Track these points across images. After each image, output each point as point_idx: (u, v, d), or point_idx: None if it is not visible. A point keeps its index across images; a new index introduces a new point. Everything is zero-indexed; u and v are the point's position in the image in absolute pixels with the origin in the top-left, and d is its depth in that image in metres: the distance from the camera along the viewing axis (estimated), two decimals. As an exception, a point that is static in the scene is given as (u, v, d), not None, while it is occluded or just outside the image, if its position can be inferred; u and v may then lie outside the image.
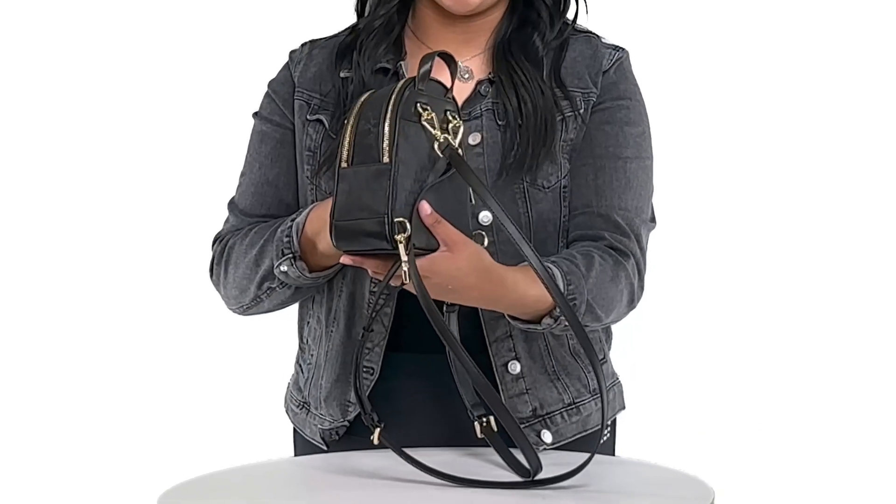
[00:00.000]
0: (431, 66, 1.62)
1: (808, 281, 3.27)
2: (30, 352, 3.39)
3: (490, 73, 1.84)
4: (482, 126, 1.81)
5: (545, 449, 1.84)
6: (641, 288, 1.85)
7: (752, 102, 3.26)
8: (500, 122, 1.82)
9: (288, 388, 2.01)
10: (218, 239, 1.92)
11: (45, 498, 3.35)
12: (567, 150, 1.83)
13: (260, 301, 1.86)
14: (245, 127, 1.96)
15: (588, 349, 1.60)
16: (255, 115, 1.94)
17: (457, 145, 1.61)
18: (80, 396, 3.37)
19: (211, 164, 2.87)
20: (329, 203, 1.68)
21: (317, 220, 1.76)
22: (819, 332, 3.26)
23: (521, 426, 1.81)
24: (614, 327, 1.96)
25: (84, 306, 3.37)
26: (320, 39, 1.94)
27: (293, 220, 1.79)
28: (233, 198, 1.94)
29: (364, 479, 1.70)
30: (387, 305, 1.81)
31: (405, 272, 1.54)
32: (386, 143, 1.56)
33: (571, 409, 1.87)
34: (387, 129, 1.57)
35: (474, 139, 1.81)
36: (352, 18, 1.94)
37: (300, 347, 1.97)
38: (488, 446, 1.75)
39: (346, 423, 1.88)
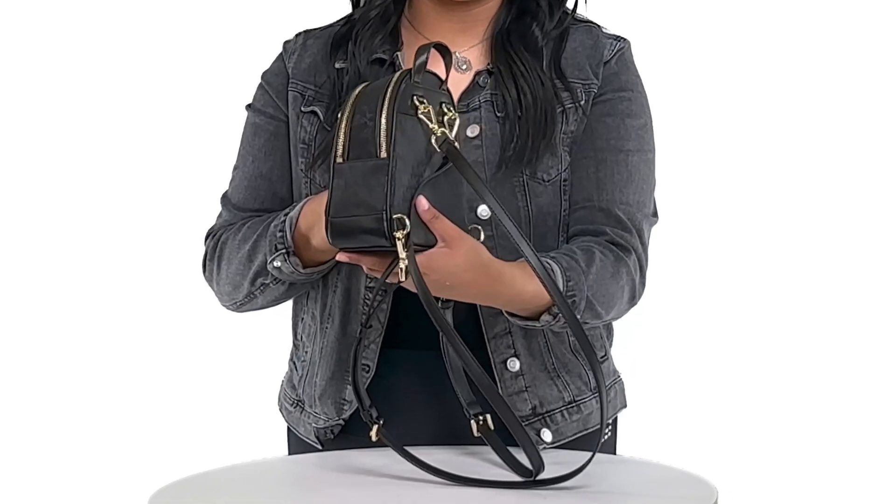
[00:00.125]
0: (427, 58, 1.60)
1: (811, 277, 3.27)
2: (21, 351, 3.39)
3: (489, 64, 1.82)
4: (481, 118, 1.79)
5: (545, 448, 1.82)
6: (643, 284, 1.84)
7: (754, 94, 3.26)
8: (498, 114, 1.79)
9: (282, 386, 1.99)
10: (210, 234, 1.90)
11: (37, 497, 3.34)
12: (567, 142, 1.81)
13: (254, 297, 1.84)
14: (238, 119, 1.94)
15: (586, 347, 1.58)
16: (249, 107, 1.92)
17: (453, 138, 1.58)
18: (71, 395, 3.37)
19: (203, 157, 2.86)
20: (323, 197, 1.66)
21: (310, 214, 1.73)
22: (822, 330, 3.26)
23: (524, 425, 1.79)
24: (615, 324, 1.95)
25: (75, 303, 3.37)
26: (315, 30, 1.92)
27: (286, 215, 1.77)
28: (225, 192, 1.93)
29: (360, 477, 1.68)
30: (383, 302, 1.80)
31: (403, 269, 1.52)
32: (383, 137, 1.54)
33: (572, 407, 1.85)
34: (384, 123, 1.55)
35: (472, 131, 1.78)
36: (347, 8, 1.91)
37: (294, 345, 1.95)
38: (486, 445, 1.73)
39: (342, 422, 1.86)
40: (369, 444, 1.74)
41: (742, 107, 3.26)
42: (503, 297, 1.68)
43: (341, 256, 1.58)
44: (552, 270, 1.67)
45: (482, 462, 1.73)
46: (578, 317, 1.69)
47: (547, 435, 1.82)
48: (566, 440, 1.84)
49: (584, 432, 1.86)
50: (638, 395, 2.09)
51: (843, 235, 3.27)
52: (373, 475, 1.68)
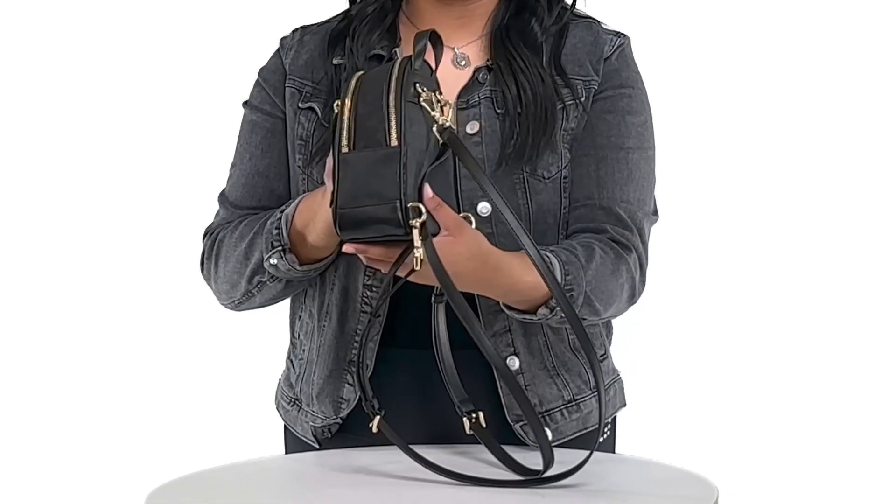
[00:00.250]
0: (426, 45, 1.60)
1: (810, 276, 3.27)
2: (18, 351, 3.38)
3: (488, 60, 1.82)
4: (480, 114, 1.78)
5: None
6: (643, 283, 1.83)
7: (754, 92, 3.26)
8: (498, 111, 1.78)
9: (279, 384, 1.99)
10: (208, 233, 1.90)
11: (33, 496, 3.33)
12: (568, 139, 1.80)
13: (251, 296, 1.83)
14: (235, 117, 1.93)
15: (584, 342, 1.58)
16: (246, 104, 1.91)
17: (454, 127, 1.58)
18: (67, 394, 3.37)
19: (201, 154, 2.85)
20: (319, 194, 1.65)
21: (306, 211, 1.73)
22: (822, 328, 3.26)
23: (520, 423, 1.79)
24: (615, 322, 1.94)
25: (72, 303, 3.37)
26: (312, 25, 1.91)
27: (282, 212, 1.76)
28: (223, 190, 1.92)
29: (358, 476, 1.68)
30: (383, 299, 1.78)
31: (418, 258, 1.50)
32: (393, 125, 1.52)
33: (571, 406, 1.84)
34: (392, 111, 1.53)
35: (472, 128, 1.77)
36: (342, 4, 1.90)
37: (291, 343, 1.95)
38: (482, 444, 1.73)
39: (339, 421, 1.85)
40: (367, 443, 1.73)
41: (740, 103, 3.26)
42: (500, 287, 1.67)
43: (348, 248, 1.56)
44: (550, 263, 1.67)
45: (479, 462, 1.72)
46: (576, 311, 1.69)
47: (547, 434, 1.81)
48: (566, 439, 1.84)
49: (584, 431, 1.86)
50: (637, 395, 2.08)
51: (842, 235, 3.28)
52: (371, 474, 1.67)
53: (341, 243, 1.74)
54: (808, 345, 3.26)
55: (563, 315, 1.68)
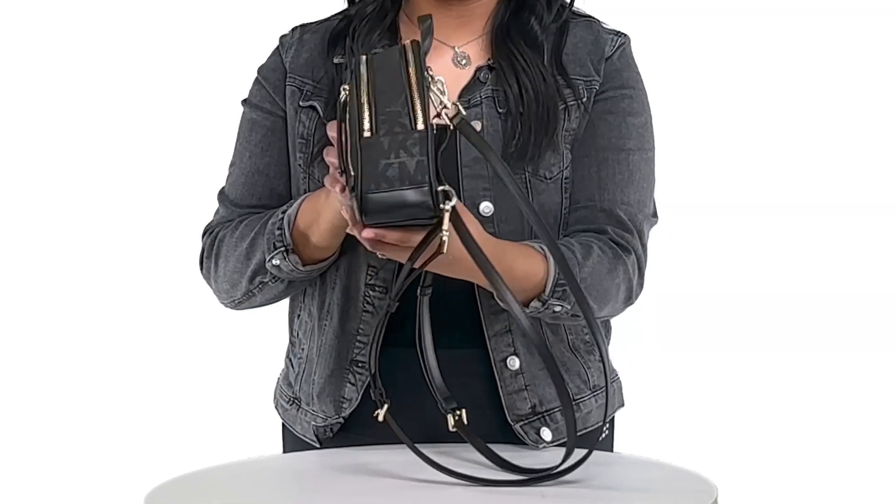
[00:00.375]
0: (431, 28, 1.60)
1: (809, 276, 3.27)
2: (17, 350, 3.38)
3: (489, 60, 1.81)
4: (482, 114, 1.78)
5: (545, 447, 1.81)
6: (641, 285, 1.83)
7: (752, 92, 3.26)
8: (500, 110, 1.78)
9: (277, 383, 1.98)
10: (208, 231, 1.89)
11: (34, 495, 3.33)
12: (569, 139, 1.80)
13: (252, 295, 1.83)
14: (234, 115, 1.92)
15: (588, 316, 1.56)
16: (245, 102, 1.91)
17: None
18: (66, 394, 3.36)
19: (199, 153, 2.85)
20: (322, 194, 1.64)
21: (309, 211, 1.72)
22: (820, 328, 3.27)
23: (521, 423, 1.79)
24: (613, 322, 1.93)
25: (70, 302, 3.36)
26: (311, 24, 1.91)
27: (284, 213, 1.76)
28: (222, 188, 1.91)
29: (357, 475, 1.68)
30: (384, 300, 1.78)
31: (445, 242, 1.49)
32: (419, 109, 1.51)
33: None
34: (416, 95, 1.52)
35: (476, 126, 1.76)
36: (340, 2, 1.90)
37: (291, 342, 1.94)
38: (493, 442, 1.73)
39: (341, 420, 1.84)
40: (368, 443, 1.73)
41: (738, 103, 3.26)
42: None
43: (368, 233, 1.53)
44: (545, 255, 1.67)
45: (481, 461, 1.70)
46: (569, 307, 1.69)
47: (547, 434, 1.81)
48: (566, 439, 1.83)
49: (584, 431, 1.85)
50: (637, 394, 2.08)
51: (841, 236, 3.28)
52: (371, 473, 1.67)
53: (343, 243, 1.75)
54: (807, 344, 3.27)
55: (555, 310, 1.69)
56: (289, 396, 1.92)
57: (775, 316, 3.27)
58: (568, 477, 1.60)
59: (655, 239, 1.90)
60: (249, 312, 1.94)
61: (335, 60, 1.83)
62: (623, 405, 1.97)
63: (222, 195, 1.90)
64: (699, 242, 3.23)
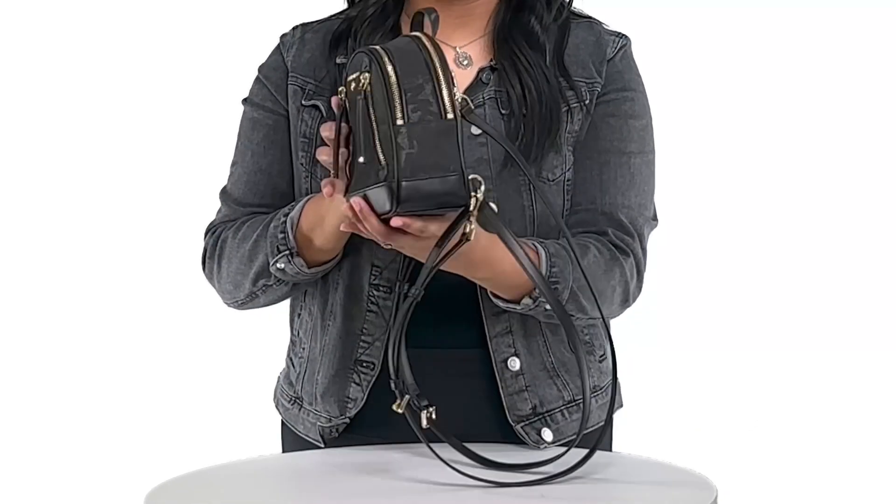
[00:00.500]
0: (438, 19, 1.60)
1: (808, 276, 3.27)
2: (16, 350, 3.37)
3: (491, 60, 1.81)
4: (485, 115, 1.78)
5: (546, 447, 1.81)
6: (639, 288, 1.83)
7: (751, 94, 3.25)
8: (503, 111, 1.78)
9: (278, 381, 1.98)
10: (210, 230, 1.88)
11: (34, 495, 3.33)
12: (571, 141, 1.80)
13: (255, 297, 1.83)
14: (234, 113, 1.92)
15: (566, 322, 1.59)
16: (245, 101, 1.90)
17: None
18: (66, 393, 3.36)
19: (200, 152, 2.84)
20: (323, 198, 1.63)
21: (312, 215, 1.72)
22: (820, 329, 3.26)
23: (521, 424, 1.79)
24: (613, 322, 1.92)
25: (70, 302, 3.36)
26: (312, 23, 1.90)
27: (286, 216, 1.75)
28: (224, 187, 1.90)
29: (357, 475, 1.68)
30: (388, 300, 1.78)
31: (472, 230, 1.52)
32: (447, 98, 1.52)
33: (572, 406, 1.84)
34: (444, 84, 1.53)
35: (477, 129, 1.76)
36: (339, 1, 1.89)
37: (291, 340, 1.94)
38: (485, 442, 1.73)
39: (347, 420, 1.84)
40: (373, 443, 1.73)
41: (736, 103, 3.26)
42: (482, 266, 1.66)
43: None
44: (537, 252, 1.68)
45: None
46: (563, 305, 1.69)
47: (548, 434, 1.81)
48: (566, 439, 1.83)
49: (585, 431, 1.83)
50: (636, 394, 2.08)
51: (839, 236, 3.28)
52: (371, 473, 1.67)
53: (346, 243, 1.74)
54: (807, 344, 3.27)
55: (547, 308, 1.69)
56: (290, 396, 1.92)
57: (775, 316, 3.27)
58: (568, 477, 1.61)
59: (654, 238, 1.90)
60: (250, 312, 1.93)
61: (338, 60, 1.82)
62: (621, 406, 1.97)
63: (224, 194, 1.89)
64: (698, 243, 3.23)
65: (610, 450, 1.96)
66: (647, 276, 1.85)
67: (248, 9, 3.22)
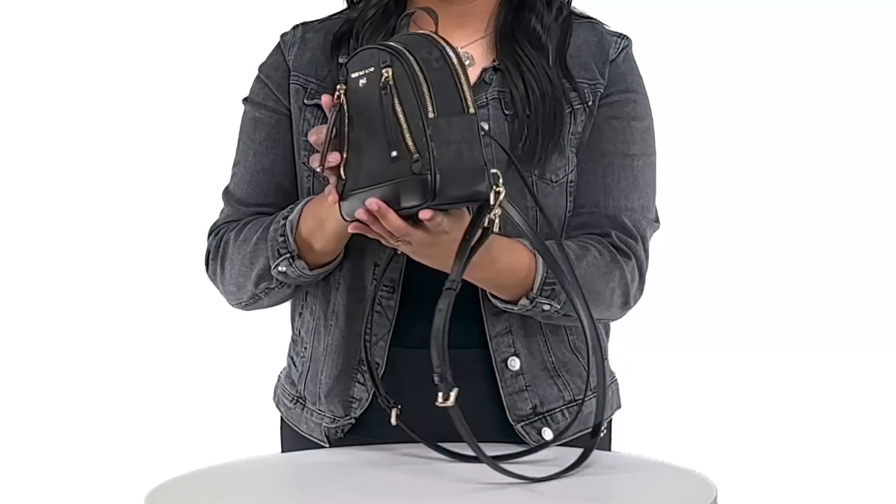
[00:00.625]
0: (436, 18, 1.61)
1: (808, 276, 3.27)
2: (17, 349, 3.37)
3: (494, 60, 1.81)
4: (488, 115, 1.78)
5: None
6: (640, 290, 1.83)
7: (751, 95, 3.25)
8: (507, 112, 1.78)
9: (279, 380, 1.97)
10: (213, 231, 1.88)
11: (34, 495, 3.33)
12: (574, 143, 1.80)
13: (258, 299, 1.83)
14: (235, 113, 1.91)
15: (577, 305, 1.59)
16: (246, 100, 1.89)
17: None
18: (67, 393, 3.36)
19: (201, 152, 2.84)
20: (323, 201, 1.63)
21: (311, 219, 1.72)
22: (819, 328, 3.26)
23: (521, 424, 1.79)
24: (612, 324, 1.93)
25: (70, 302, 3.36)
26: (313, 22, 1.89)
27: (286, 219, 1.75)
28: (227, 187, 1.89)
29: (357, 475, 1.68)
30: (391, 299, 1.78)
31: (497, 222, 1.54)
32: (467, 92, 1.54)
33: (572, 406, 1.84)
34: (464, 79, 1.54)
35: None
36: (340, 2, 1.89)
37: (293, 339, 1.93)
38: (491, 442, 1.73)
39: (352, 420, 1.84)
40: (378, 442, 1.74)
41: (736, 104, 3.26)
42: (481, 268, 1.65)
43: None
44: (534, 252, 1.68)
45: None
46: (559, 306, 1.70)
47: (548, 434, 1.81)
48: (567, 439, 1.82)
49: (584, 431, 1.83)
50: (636, 394, 2.08)
51: (838, 236, 3.28)
52: (371, 473, 1.67)
53: (347, 245, 1.74)
54: (807, 344, 3.26)
55: (544, 309, 1.70)
56: (292, 395, 1.91)
57: (775, 316, 3.27)
58: (568, 477, 1.61)
59: (654, 240, 1.90)
60: (251, 311, 1.94)
61: (340, 60, 1.82)
62: (620, 406, 1.97)
63: (227, 194, 1.89)
64: (698, 243, 3.23)
65: (609, 449, 1.97)
66: (648, 278, 1.84)
67: (248, 9, 3.22)
